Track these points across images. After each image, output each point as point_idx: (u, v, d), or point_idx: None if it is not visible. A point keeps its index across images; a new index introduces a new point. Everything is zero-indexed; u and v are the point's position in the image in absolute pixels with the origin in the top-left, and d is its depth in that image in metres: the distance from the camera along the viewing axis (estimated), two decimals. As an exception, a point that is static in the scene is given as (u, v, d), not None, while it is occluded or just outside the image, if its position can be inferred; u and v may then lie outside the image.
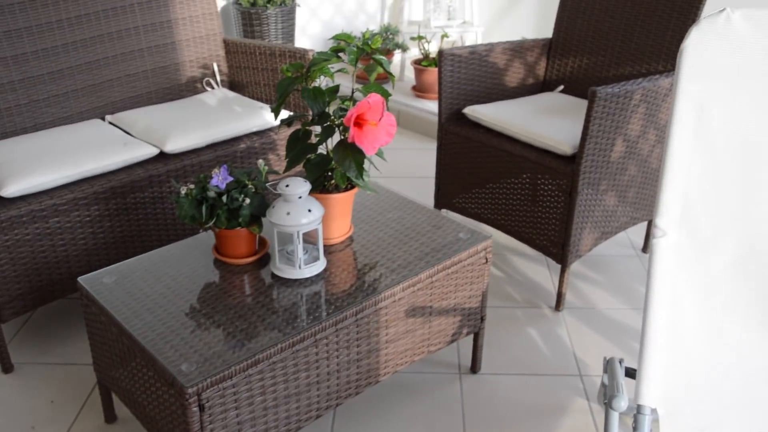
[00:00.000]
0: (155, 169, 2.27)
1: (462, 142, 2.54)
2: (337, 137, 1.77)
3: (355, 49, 1.70)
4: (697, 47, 1.31)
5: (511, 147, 2.39)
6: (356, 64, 1.69)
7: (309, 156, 1.82)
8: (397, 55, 4.47)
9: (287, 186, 1.67)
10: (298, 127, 2.05)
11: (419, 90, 4.03)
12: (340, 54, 1.72)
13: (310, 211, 1.69)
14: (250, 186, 1.74)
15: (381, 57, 1.73)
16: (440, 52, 2.49)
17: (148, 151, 2.29)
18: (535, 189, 2.35)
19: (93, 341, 1.84)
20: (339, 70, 1.75)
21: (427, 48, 4.01)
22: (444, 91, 2.54)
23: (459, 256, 1.87)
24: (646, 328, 1.37)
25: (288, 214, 1.67)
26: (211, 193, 1.72)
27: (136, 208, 2.25)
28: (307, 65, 1.74)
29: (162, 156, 2.34)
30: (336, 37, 1.73)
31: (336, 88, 1.80)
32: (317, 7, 4.24)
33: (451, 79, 2.54)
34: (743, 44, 1.31)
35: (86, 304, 1.77)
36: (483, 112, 2.49)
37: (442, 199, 2.72)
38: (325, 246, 1.89)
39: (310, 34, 4.26)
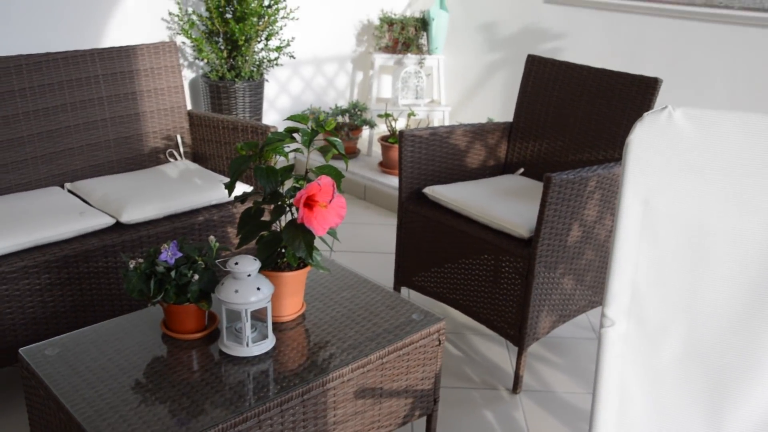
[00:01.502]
0: (110, 239, 2.24)
1: (422, 220, 2.56)
2: (290, 216, 1.77)
3: (308, 130, 1.72)
4: (642, 142, 1.35)
5: (469, 228, 2.41)
6: (309, 146, 1.71)
7: (262, 233, 1.82)
8: (365, 131, 4.53)
9: (236, 264, 1.66)
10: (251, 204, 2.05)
11: (386, 166, 4.07)
12: (295, 135, 1.74)
13: (259, 289, 1.67)
14: (200, 262, 1.73)
15: (335, 139, 1.75)
16: (400, 133, 2.53)
17: (104, 221, 2.27)
18: (493, 270, 2.36)
19: (31, 416, 1.78)
20: (295, 150, 1.76)
21: (394, 125, 4.07)
22: (404, 171, 2.57)
23: (411, 338, 1.86)
24: (594, 418, 1.36)
25: (236, 291, 1.65)
26: (160, 268, 1.70)
27: (89, 277, 2.22)
28: (261, 144, 1.75)
29: (118, 226, 2.32)
30: (291, 118, 1.75)
31: (291, 168, 1.81)
32: (287, 81, 4.31)
33: (411, 158, 2.58)
34: (684, 140, 1.35)
35: (26, 376, 1.72)
36: (442, 193, 2.52)
37: (402, 277, 2.71)
38: (275, 323, 1.86)
39: (279, 107, 4.32)
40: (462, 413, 2.30)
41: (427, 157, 2.62)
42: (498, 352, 2.65)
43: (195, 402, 1.57)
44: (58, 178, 2.59)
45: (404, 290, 3.01)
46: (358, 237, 3.60)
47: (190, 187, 2.48)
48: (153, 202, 2.36)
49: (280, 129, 4.32)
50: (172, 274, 1.70)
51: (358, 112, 4.22)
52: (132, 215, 2.30)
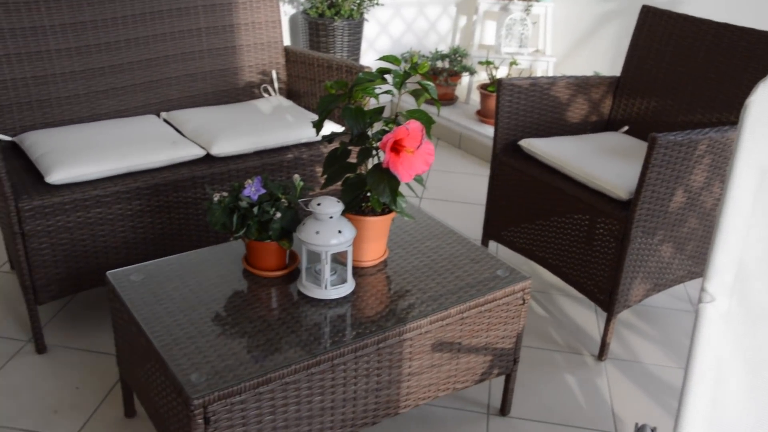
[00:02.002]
0: (200, 171, 2.25)
1: (515, 174, 2.45)
2: (376, 160, 1.72)
3: (401, 72, 1.65)
4: (763, 105, 1.21)
5: (565, 185, 2.29)
6: (400, 88, 1.63)
7: (347, 175, 1.77)
8: (465, 78, 4.40)
9: (319, 205, 1.62)
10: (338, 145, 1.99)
11: (483, 115, 3.95)
12: (386, 76, 1.66)
13: (340, 232, 1.63)
14: (283, 200, 1.70)
15: (428, 83, 1.67)
16: (499, 82, 2.41)
17: (195, 152, 2.28)
18: (587, 231, 2.24)
19: (117, 336, 1.82)
20: (386, 92, 1.69)
21: (494, 74, 3.93)
22: (500, 121, 2.47)
23: (494, 294, 1.79)
24: (684, 400, 1.27)
25: (317, 233, 1.62)
26: (243, 203, 1.68)
27: (178, 207, 2.24)
28: (351, 84, 1.69)
29: (208, 158, 2.33)
30: (383, 59, 1.68)
31: (380, 110, 1.75)
32: (387, 22, 4.21)
33: (508, 109, 2.46)
34: (818, 102, 1.20)
35: (112, 298, 1.76)
36: (539, 147, 2.41)
37: (490, 230, 2.63)
38: (356, 268, 1.83)
39: (378, 49, 4.23)
40: (542, 375, 2.23)
41: (525, 109, 2.50)
42: (585, 315, 2.54)
43: (270, 340, 1.56)
44: (155, 106, 2.62)
45: (492, 245, 2.93)
46: (449, 186, 3.52)
47: (281, 124, 2.46)
48: (244, 136, 2.35)
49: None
50: (255, 210, 1.68)
51: (459, 58, 4.09)
52: (222, 148, 2.30)
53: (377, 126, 1.72)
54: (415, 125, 1.54)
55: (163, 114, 2.60)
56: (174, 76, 2.64)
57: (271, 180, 1.70)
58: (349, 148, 1.69)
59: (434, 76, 4.08)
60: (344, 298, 1.71)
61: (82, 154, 2.13)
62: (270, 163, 2.38)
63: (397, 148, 1.56)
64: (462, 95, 4.37)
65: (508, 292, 1.82)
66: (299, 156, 2.44)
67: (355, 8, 3.71)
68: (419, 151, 1.55)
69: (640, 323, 2.52)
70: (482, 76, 4.47)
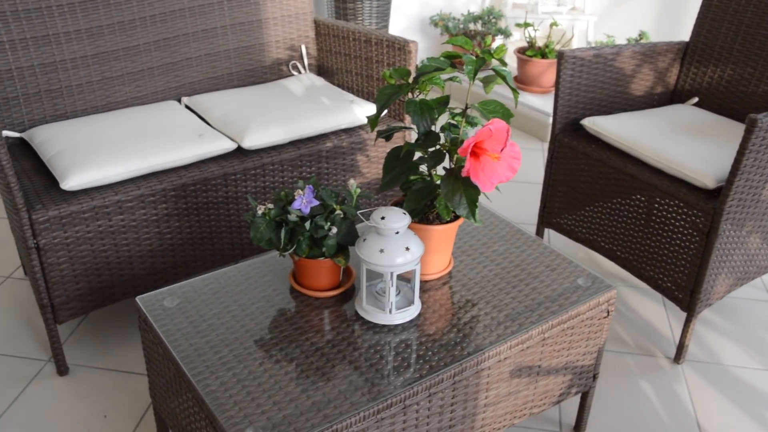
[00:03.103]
0: (231, 167, 2.02)
1: (577, 157, 2.21)
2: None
3: (473, 58, 1.40)
4: None
5: (639, 171, 2.05)
6: (473, 77, 1.38)
7: (411, 177, 1.54)
8: (499, 41, 4.12)
9: (383, 218, 1.39)
10: (399, 144, 1.72)
11: (521, 82, 3.68)
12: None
13: (407, 249, 1.41)
14: (338, 211, 1.47)
15: (503, 69, 1.42)
16: (560, 55, 2.15)
17: (225, 146, 2.04)
18: (663, 223, 2.01)
19: (150, 366, 1.61)
20: (450, 79, 1.45)
21: (533, 36, 3.65)
22: (561, 98, 2.21)
23: (577, 309, 1.56)
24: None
25: (381, 251, 1.39)
26: (293, 217, 1.45)
27: (208, 208, 2.02)
28: (414, 73, 1.44)
29: (239, 151, 2.09)
30: (451, 42, 1.43)
31: (446, 100, 1.50)
32: (415, -17, 3.92)
33: (570, 84, 2.21)
34: None
35: (144, 328, 1.55)
36: (605, 127, 2.15)
37: (547, 217, 2.40)
38: (420, 283, 1.61)
39: (406, 12, 3.95)
40: (615, 382, 2.02)
41: (588, 83, 2.25)
42: (653, 310, 2.32)
43: (330, 378, 1.35)
44: (175, 91, 2.38)
45: (546, 231, 2.70)
46: (489, 162, 3.27)
47: (317, 108, 2.21)
48: (277, 124, 2.10)
49: (407, 36, 3.96)
50: (306, 224, 1.45)
51: (492, 20, 3.80)
52: (254, 140, 2.06)
53: (442, 118, 1.49)
54: (499, 125, 1.29)
55: (185, 99, 2.36)
56: (195, 56, 2.39)
57: (323, 187, 1.47)
58: (417, 149, 1.45)
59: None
60: (410, 322, 1.50)
61: (100, 154, 1.90)
62: (307, 154, 2.14)
63: (476, 151, 1.32)
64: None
65: (592, 305, 1.59)
66: (339, 144, 2.20)
67: (382, -31, 3.42)
68: (504, 155, 1.32)
69: (715, 317, 2.30)
70: (516, 38, 4.18)
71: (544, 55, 3.54)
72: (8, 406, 1.88)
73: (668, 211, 1.99)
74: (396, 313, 1.47)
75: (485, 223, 1.84)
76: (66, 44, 2.16)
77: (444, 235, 1.55)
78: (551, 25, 3.62)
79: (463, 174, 1.30)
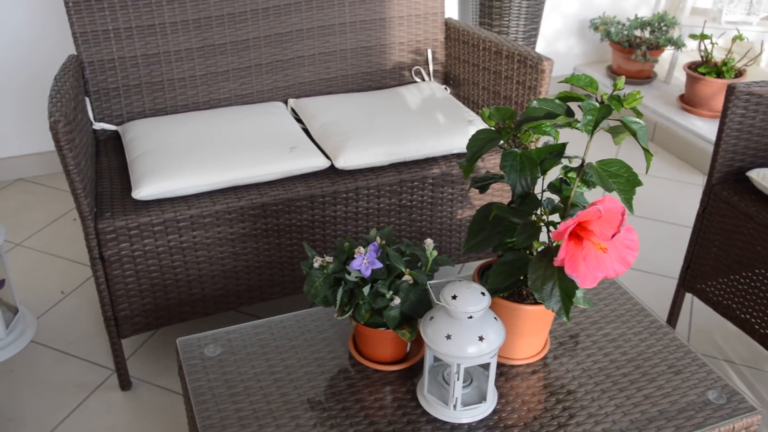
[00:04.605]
0: (320, 187, 1.80)
1: (737, 216, 1.80)
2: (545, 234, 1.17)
3: (596, 105, 1.08)
4: None
5: (815, 246, 1.62)
6: (593, 132, 1.07)
7: (504, 239, 1.24)
8: (668, 52, 3.63)
9: (454, 298, 1.11)
10: (498, 198, 1.42)
11: (688, 102, 3.21)
12: (571, 105, 1.10)
13: (481, 339, 1.12)
14: (406, 278, 1.21)
15: (637, 120, 1.09)
16: (730, 89, 1.75)
17: (316, 163, 1.83)
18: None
19: (189, 417, 1.44)
20: (566, 125, 1.13)
21: (710, 50, 3.15)
22: (725, 142, 1.81)
23: (703, 434, 1.22)
24: None
25: (449, 337, 1.12)
26: (351, 277, 1.21)
27: (290, 230, 1.82)
28: (517, 117, 1.14)
29: (332, 170, 1.87)
30: (569, 80, 1.11)
31: (560, 150, 1.19)
32: (579, -21, 3.52)
33: (740, 126, 1.80)
34: None
35: (180, 375, 1.37)
36: (779, 183, 1.73)
37: (690, 281, 2.00)
38: (501, 365, 1.32)
39: (564, 12, 3.56)
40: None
41: (764, 126, 1.82)
42: (814, 410, 1.88)
43: (367, 485, 1.10)
44: (283, 91, 2.19)
45: (687, 297, 2.28)
46: (638, 191, 2.86)
47: (429, 127, 1.94)
48: (378, 144, 1.86)
49: (560, 40, 3.53)
50: (365, 289, 1.20)
51: (664, 27, 3.34)
52: (350, 160, 1.83)
53: (551, 172, 1.19)
54: (612, 206, 0.97)
55: (291, 101, 2.17)
56: (308, 54, 2.19)
57: (393, 248, 1.21)
58: (510, 215, 1.16)
59: (630, 49, 3.36)
60: (480, 421, 1.21)
61: (180, 162, 1.74)
62: (409, 180, 1.88)
63: (579, 233, 1.01)
64: (662, 73, 3.61)
65: (726, 431, 1.24)
66: (448, 171, 1.92)
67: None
68: (614, 243, 1.00)
69: None
70: (690, 48, 3.67)
71: (719, 74, 3.05)
72: (67, 415, 1.79)
73: None
74: (462, 410, 1.19)
75: (601, 295, 1.51)
76: (171, 35, 2.03)
77: (538, 317, 1.25)
78: (734, 39, 3.11)
79: (556, 263, 1.00)
